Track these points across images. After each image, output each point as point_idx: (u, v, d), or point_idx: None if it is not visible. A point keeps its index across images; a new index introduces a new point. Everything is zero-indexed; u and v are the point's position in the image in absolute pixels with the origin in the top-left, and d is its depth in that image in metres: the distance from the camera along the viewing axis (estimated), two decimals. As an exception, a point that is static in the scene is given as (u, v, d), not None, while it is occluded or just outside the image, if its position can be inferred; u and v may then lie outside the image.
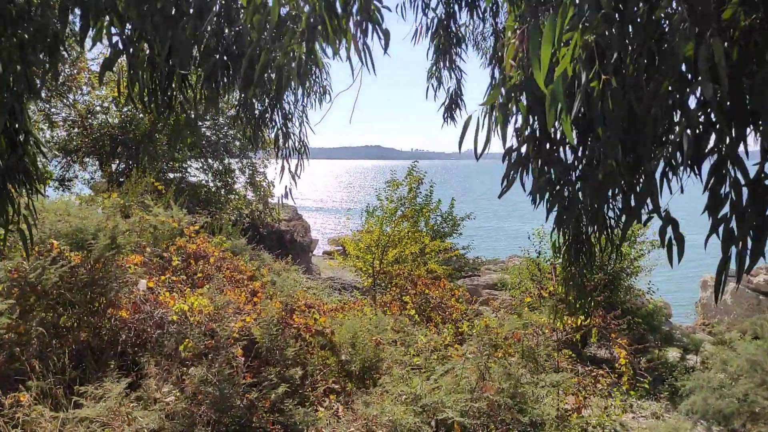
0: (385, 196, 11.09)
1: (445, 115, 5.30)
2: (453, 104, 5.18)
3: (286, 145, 4.08)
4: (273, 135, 4.02)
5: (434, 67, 4.74)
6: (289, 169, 4.13)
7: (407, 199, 11.22)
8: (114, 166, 12.95)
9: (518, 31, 1.78)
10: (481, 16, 4.57)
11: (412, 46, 4.66)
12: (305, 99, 4.16)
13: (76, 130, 12.86)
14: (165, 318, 4.57)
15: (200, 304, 4.73)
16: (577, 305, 3.76)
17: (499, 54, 4.09)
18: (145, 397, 3.74)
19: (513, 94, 1.83)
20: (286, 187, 4.22)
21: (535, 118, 1.92)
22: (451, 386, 3.49)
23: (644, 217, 1.84)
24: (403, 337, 5.58)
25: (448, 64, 4.69)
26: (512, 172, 2.05)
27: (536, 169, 1.99)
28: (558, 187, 2.03)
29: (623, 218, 1.92)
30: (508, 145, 1.96)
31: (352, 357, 5.03)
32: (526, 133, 1.95)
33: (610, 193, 1.89)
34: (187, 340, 4.31)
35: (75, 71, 12.39)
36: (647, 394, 7.89)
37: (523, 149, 2.03)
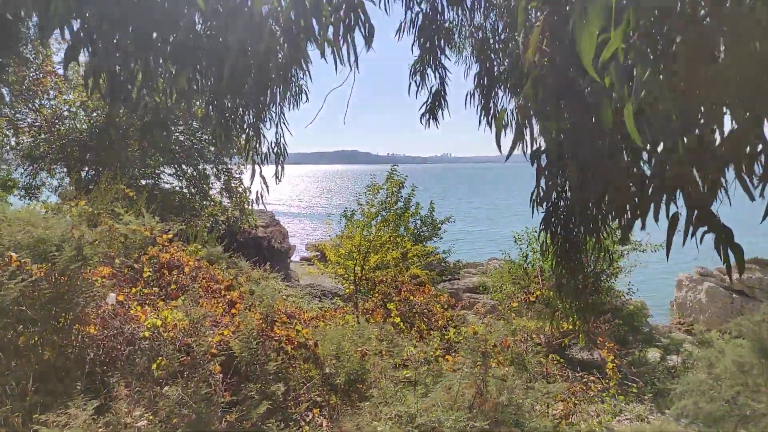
0: (366, 200, 10.87)
1: (426, 116, 5.09)
2: (436, 103, 4.99)
3: (259, 148, 3.87)
4: (245, 137, 3.79)
5: (418, 64, 4.55)
6: (260, 173, 3.92)
7: (388, 203, 11.02)
8: (83, 173, 12.48)
9: (545, 13, 1.59)
10: (467, 11, 4.39)
11: (396, 41, 4.47)
12: (281, 100, 3.93)
13: (42, 135, 12.35)
14: (136, 334, 4.27)
15: (174, 317, 4.45)
16: (573, 308, 3.61)
17: (488, 44, 3.91)
18: (114, 421, 3.45)
19: (541, 86, 1.64)
20: (257, 191, 4.02)
21: (567, 114, 1.73)
22: (448, 403, 3.30)
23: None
24: (389, 347, 5.36)
25: (432, 62, 4.51)
26: (543, 177, 1.85)
27: (574, 171, 1.80)
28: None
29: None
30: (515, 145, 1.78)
31: (336, 369, 4.80)
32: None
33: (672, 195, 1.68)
34: (160, 357, 4.03)
35: (41, 75, 11.93)
36: (633, 398, 7.84)
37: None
